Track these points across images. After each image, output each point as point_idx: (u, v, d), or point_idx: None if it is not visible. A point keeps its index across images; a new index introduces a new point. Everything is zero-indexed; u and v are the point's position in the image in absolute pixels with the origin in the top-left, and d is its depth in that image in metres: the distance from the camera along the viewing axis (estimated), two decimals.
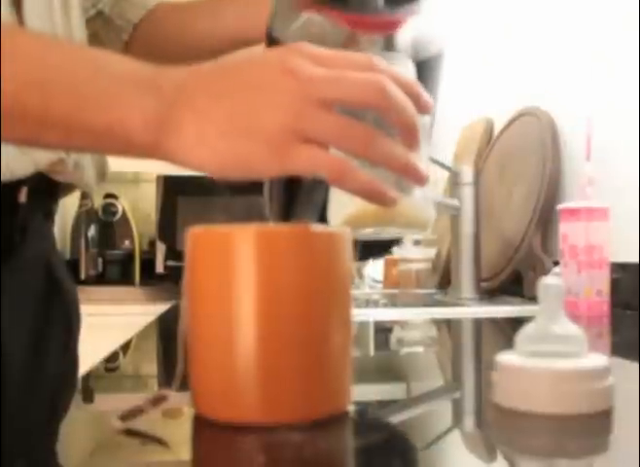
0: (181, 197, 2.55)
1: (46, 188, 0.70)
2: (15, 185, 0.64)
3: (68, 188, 0.76)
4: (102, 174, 0.78)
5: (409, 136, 0.46)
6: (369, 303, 1.32)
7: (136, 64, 0.47)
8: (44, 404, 0.54)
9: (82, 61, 0.47)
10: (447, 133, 2.18)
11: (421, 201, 0.61)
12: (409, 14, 0.68)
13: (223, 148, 0.44)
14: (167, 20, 0.86)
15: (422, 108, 0.47)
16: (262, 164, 0.44)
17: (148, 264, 2.71)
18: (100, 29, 0.83)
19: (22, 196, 0.66)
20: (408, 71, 0.61)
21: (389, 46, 0.65)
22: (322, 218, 0.71)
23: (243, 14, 0.81)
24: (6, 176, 0.62)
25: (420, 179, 0.47)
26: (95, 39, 0.83)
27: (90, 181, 0.76)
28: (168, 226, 2.56)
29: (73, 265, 2.66)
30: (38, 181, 0.66)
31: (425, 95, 0.47)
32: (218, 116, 0.44)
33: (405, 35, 0.67)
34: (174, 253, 2.55)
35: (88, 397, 0.58)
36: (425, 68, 0.70)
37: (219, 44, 0.83)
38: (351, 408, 0.43)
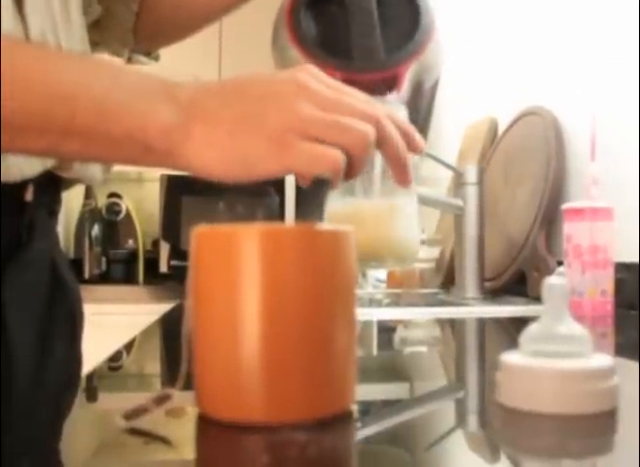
0: (185, 196, 2.55)
1: (50, 185, 0.70)
2: (21, 183, 0.64)
3: (70, 182, 0.76)
4: (107, 168, 0.79)
5: (402, 171, 0.49)
6: (372, 302, 1.32)
7: (151, 76, 0.49)
8: (48, 403, 0.54)
9: (100, 74, 0.49)
10: (451, 133, 2.18)
11: (407, 237, 0.66)
12: (411, 60, 0.71)
13: (229, 147, 0.46)
14: None
15: (414, 148, 0.50)
16: (263, 162, 0.45)
17: (152, 263, 2.72)
18: (111, 3, 0.84)
19: (29, 194, 0.66)
20: (401, 115, 0.64)
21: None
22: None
23: None
24: (16, 177, 0.62)
25: (406, 181, 0.50)
26: (97, 28, 0.84)
27: (96, 175, 0.76)
28: (172, 225, 2.56)
29: (77, 264, 2.66)
30: (43, 178, 0.66)
31: (418, 137, 0.51)
32: (227, 118, 0.46)
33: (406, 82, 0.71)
34: (178, 252, 2.55)
35: (91, 396, 0.58)
36: (422, 96, 0.71)
37: (217, 11, 0.88)
38: (355, 407, 0.43)
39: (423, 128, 0.78)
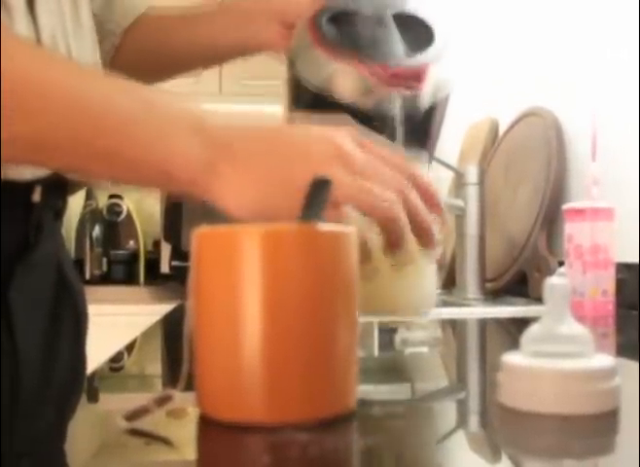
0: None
1: (57, 186, 0.70)
2: (29, 184, 0.64)
3: (77, 186, 0.76)
4: None
5: (426, 235, 0.52)
6: None
7: (183, 104, 0.50)
8: (54, 403, 0.54)
9: (132, 98, 0.49)
10: (452, 133, 2.18)
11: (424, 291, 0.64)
12: (433, 61, 0.73)
13: (252, 198, 0.47)
14: (149, 31, 0.86)
15: (435, 210, 0.53)
16: (286, 214, 0.45)
17: (153, 264, 2.72)
18: None
19: (37, 195, 0.66)
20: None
21: (413, 99, 0.70)
22: None
23: (215, 30, 0.84)
24: (27, 176, 0.62)
25: (431, 244, 0.53)
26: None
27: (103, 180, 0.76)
28: (173, 226, 2.56)
29: (78, 265, 2.66)
30: (50, 180, 0.66)
31: (437, 198, 0.53)
32: (255, 167, 0.48)
33: (427, 86, 0.72)
34: (179, 253, 2.55)
35: (92, 397, 0.58)
36: (434, 109, 0.73)
37: (194, 58, 0.87)
38: (356, 408, 0.43)
39: (434, 142, 0.80)
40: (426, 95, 0.72)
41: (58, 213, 0.74)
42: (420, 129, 0.74)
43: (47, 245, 0.69)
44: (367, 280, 0.47)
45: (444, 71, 0.76)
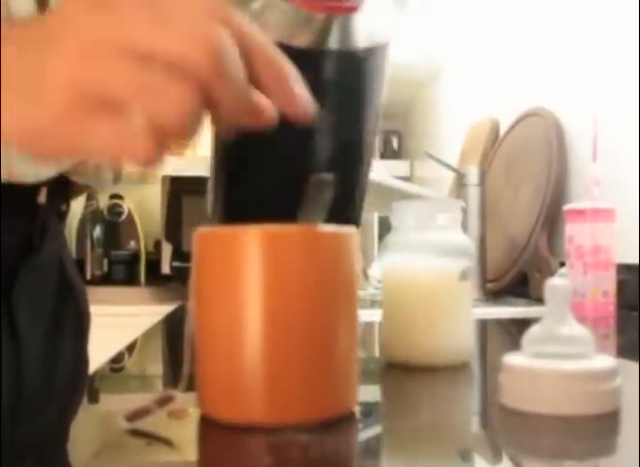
0: (186, 197, 2.55)
1: (62, 188, 0.70)
2: (35, 186, 0.64)
3: (81, 188, 0.76)
4: (118, 175, 0.79)
5: (287, 85, 0.35)
6: (374, 303, 1.31)
7: None
8: (56, 403, 0.54)
9: None
10: (453, 134, 2.18)
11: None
12: None
13: (17, 116, 0.34)
14: None
15: (279, 79, 0.36)
16: (51, 140, 0.34)
17: (153, 264, 2.72)
18: None
19: (42, 196, 0.66)
20: None
21: (345, 30, 0.60)
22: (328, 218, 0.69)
23: None
24: (31, 178, 0.62)
25: (268, 119, 0.36)
26: None
27: (107, 181, 0.76)
28: (174, 226, 2.56)
29: (79, 265, 2.66)
30: (56, 182, 0.66)
31: (300, 86, 0.36)
32: (18, 74, 0.35)
33: (361, 19, 0.61)
34: (180, 254, 2.55)
35: (93, 397, 0.58)
36: (371, 58, 0.64)
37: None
38: (357, 408, 0.43)
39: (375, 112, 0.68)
40: (362, 34, 0.61)
41: (62, 214, 0.74)
42: (354, 87, 0.63)
43: (51, 246, 0.69)
44: None
45: (380, 21, 0.65)
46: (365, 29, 0.62)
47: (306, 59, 0.56)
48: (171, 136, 0.33)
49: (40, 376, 0.66)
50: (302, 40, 0.59)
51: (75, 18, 0.34)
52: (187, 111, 0.33)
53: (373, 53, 0.63)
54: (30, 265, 0.66)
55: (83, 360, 0.77)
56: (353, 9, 0.60)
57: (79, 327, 0.76)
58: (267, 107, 0.36)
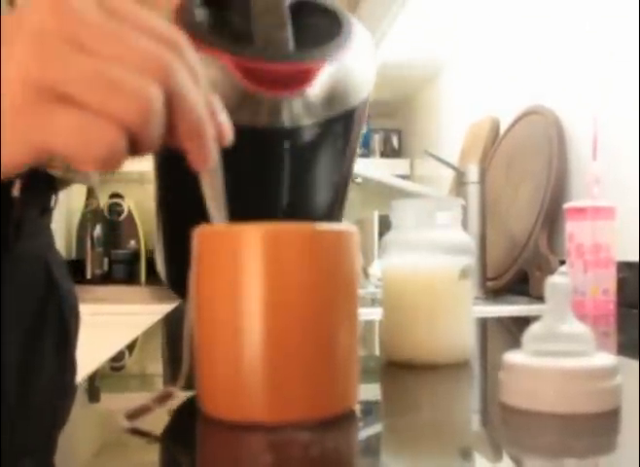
0: None
1: (41, 182, 0.69)
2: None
3: (65, 182, 0.74)
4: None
5: (199, 139, 0.36)
6: (375, 302, 1.31)
7: None
8: (39, 407, 0.53)
9: None
10: (453, 132, 2.18)
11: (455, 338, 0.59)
12: (324, 61, 0.60)
13: None
14: None
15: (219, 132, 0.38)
16: (9, 135, 0.33)
17: (154, 263, 2.71)
18: None
19: (16, 190, 0.64)
20: None
21: (299, 105, 0.59)
22: (286, 214, 0.67)
23: None
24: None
25: (205, 160, 0.37)
26: None
27: (90, 175, 0.75)
28: None
29: (79, 264, 2.67)
30: (32, 175, 0.65)
31: (222, 115, 0.38)
32: None
33: (318, 89, 0.60)
34: None
35: (93, 396, 0.58)
36: (341, 122, 0.63)
37: None
38: (357, 407, 0.43)
39: (350, 156, 0.69)
40: (318, 103, 0.60)
41: (45, 210, 0.73)
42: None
43: (30, 243, 0.68)
44: None
45: (362, 72, 0.64)
46: (328, 97, 0.61)
47: (255, 137, 0.57)
48: (134, 131, 0.33)
49: (19, 374, 0.65)
50: (252, 118, 0.58)
51: (33, 13, 0.33)
52: (147, 104, 0.32)
53: (331, 123, 0.62)
54: (5, 259, 0.64)
55: (69, 363, 0.75)
56: (300, 90, 0.59)
57: (63, 328, 0.75)
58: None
